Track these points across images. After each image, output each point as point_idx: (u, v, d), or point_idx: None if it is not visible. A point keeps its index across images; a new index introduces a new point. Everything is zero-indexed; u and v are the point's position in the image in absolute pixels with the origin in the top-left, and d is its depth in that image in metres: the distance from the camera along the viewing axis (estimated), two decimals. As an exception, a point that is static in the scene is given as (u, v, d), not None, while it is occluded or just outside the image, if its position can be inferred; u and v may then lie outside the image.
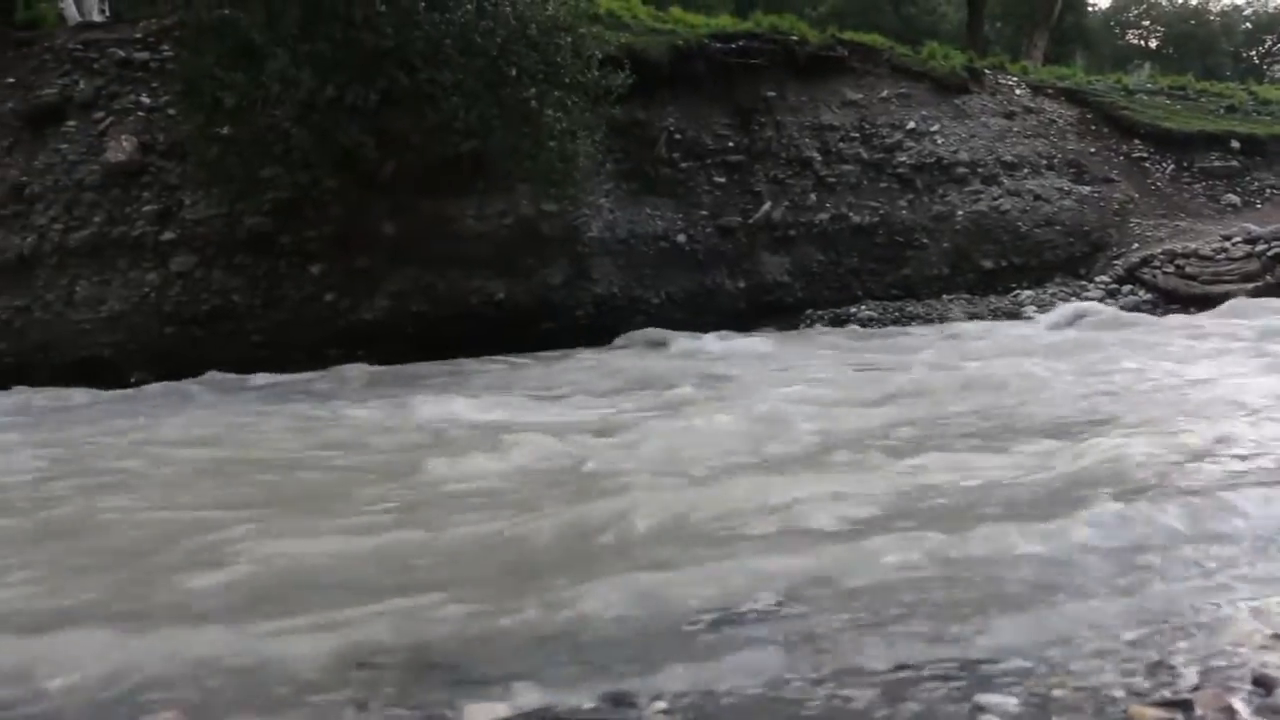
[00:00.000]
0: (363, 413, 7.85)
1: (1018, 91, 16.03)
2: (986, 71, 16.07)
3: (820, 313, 13.44)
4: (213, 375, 10.59)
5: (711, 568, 3.59)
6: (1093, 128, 16.02)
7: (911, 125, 14.79)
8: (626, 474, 5.15)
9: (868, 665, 2.80)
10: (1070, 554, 3.58)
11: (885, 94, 14.90)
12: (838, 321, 13.36)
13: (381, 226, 11.60)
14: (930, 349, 10.19)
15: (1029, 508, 4.16)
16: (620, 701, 2.82)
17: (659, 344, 11.35)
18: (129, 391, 10.47)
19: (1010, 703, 2.48)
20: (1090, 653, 2.77)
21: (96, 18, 13.88)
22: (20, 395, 10.24)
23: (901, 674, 2.75)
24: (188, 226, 11.86)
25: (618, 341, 11.71)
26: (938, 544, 3.63)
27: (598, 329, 11.72)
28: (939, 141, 14.80)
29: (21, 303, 11.92)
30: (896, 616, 3.16)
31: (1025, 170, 14.99)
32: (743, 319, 12.79)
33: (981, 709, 2.46)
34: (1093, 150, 15.69)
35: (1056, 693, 2.53)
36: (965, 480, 4.65)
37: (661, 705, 2.75)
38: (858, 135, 14.52)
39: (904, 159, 14.55)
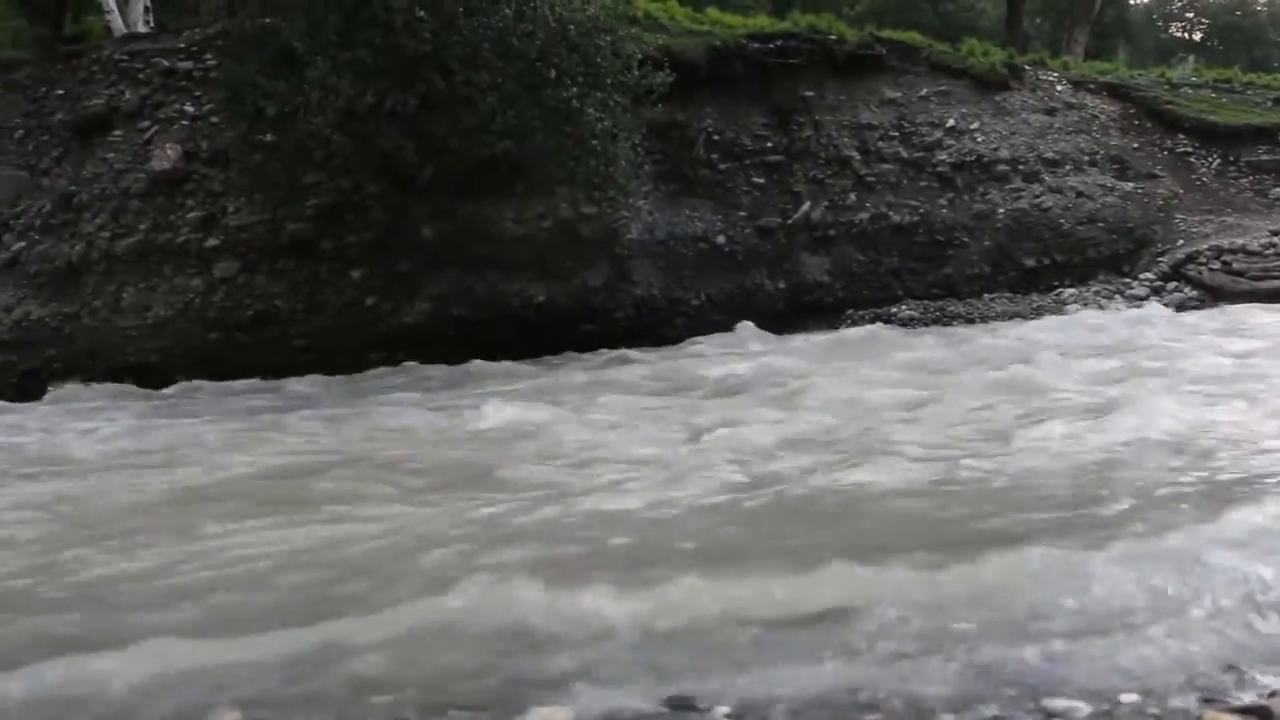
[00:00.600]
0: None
1: (1059, 87, 15.84)
2: (1026, 68, 15.89)
3: (861, 313, 13.35)
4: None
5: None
6: (1136, 123, 15.80)
7: (951, 123, 14.65)
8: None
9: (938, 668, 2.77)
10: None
11: (924, 92, 14.77)
12: (878, 321, 13.26)
13: (421, 230, 11.67)
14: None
15: None
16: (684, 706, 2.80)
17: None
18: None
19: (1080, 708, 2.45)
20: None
21: (141, 29, 14.06)
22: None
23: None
24: (231, 233, 11.99)
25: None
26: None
27: (638, 331, 11.71)
28: (979, 139, 14.66)
29: (71, 309, 12.11)
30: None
31: (1067, 167, 14.81)
32: (782, 320, 12.73)
33: (1051, 715, 2.42)
34: (1136, 146, 15.47)
35: (1125, 697, 2.48)
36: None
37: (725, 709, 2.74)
38: (897, 134, 14.41)
39: (944, 157, 14.42)
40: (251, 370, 11.08)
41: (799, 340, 11.55)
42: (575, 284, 12.01)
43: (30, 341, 12.14)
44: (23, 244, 12.39)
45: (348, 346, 11.54)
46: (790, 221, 13.33)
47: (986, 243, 14.21)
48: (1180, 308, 13.06)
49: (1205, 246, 13.90)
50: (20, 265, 12.33)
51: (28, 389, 11.59)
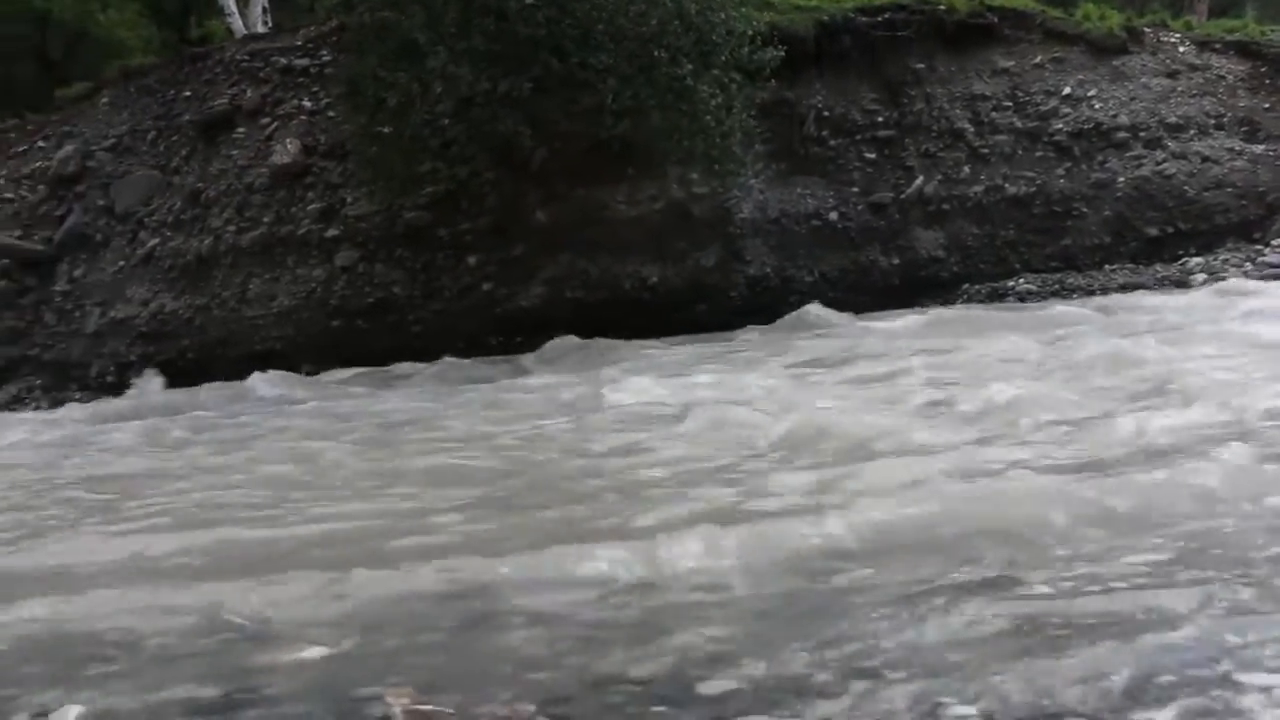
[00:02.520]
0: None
1: (1181, 49, 15.22)
2: (1146, 30, 15.30)
3: (977, 287, 13.07)
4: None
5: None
6: (1267, 82, 15.07)
7: (1067, 90, 14.22)
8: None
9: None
10: None
11: (1038, 60, 14.36)
12: (995, 296, 12.98)
13: (535, 215, 11.80)
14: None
15: None
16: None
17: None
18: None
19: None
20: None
21: (260, 29, 14.51)
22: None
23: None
24: (350, 223, 12.30)
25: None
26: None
27: (752, 310, 11.66)
28: (1097, 106, 14.19)
29: (201, 301, 12.58)
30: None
31: (1191, 131, 14.24)
32: (897, 296, 12.55)
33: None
34: (1267, 106, 14.78)
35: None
36: None
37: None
38: (1010, 104, 14.04)
39: (1060, 126, 14.00)
40: (372, 357, 11.37)
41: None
42: (688, 264, 12.01)
43: (165, 332, 12.65)
44: (156, 240, 12.91)
45: (465, 331, 11.75)
46: (903, 196, 13.12)
47: (1106, 212, 13.77)
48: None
49: (1344, 209, 13.28)
50: (155, 260, 12.86)
51: (166, 379, 12.08)
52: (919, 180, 13.25)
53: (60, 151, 13.68)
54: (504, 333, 11.69)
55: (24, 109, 14.85)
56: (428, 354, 11.24)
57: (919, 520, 3.88)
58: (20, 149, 14.09)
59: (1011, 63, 14.27)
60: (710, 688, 2.77)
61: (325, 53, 12.86)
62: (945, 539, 3.70)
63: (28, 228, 13.52)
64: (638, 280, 11.90)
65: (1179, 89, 14.58)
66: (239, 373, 11.70)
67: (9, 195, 13.84)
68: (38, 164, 13.83)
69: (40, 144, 13.99)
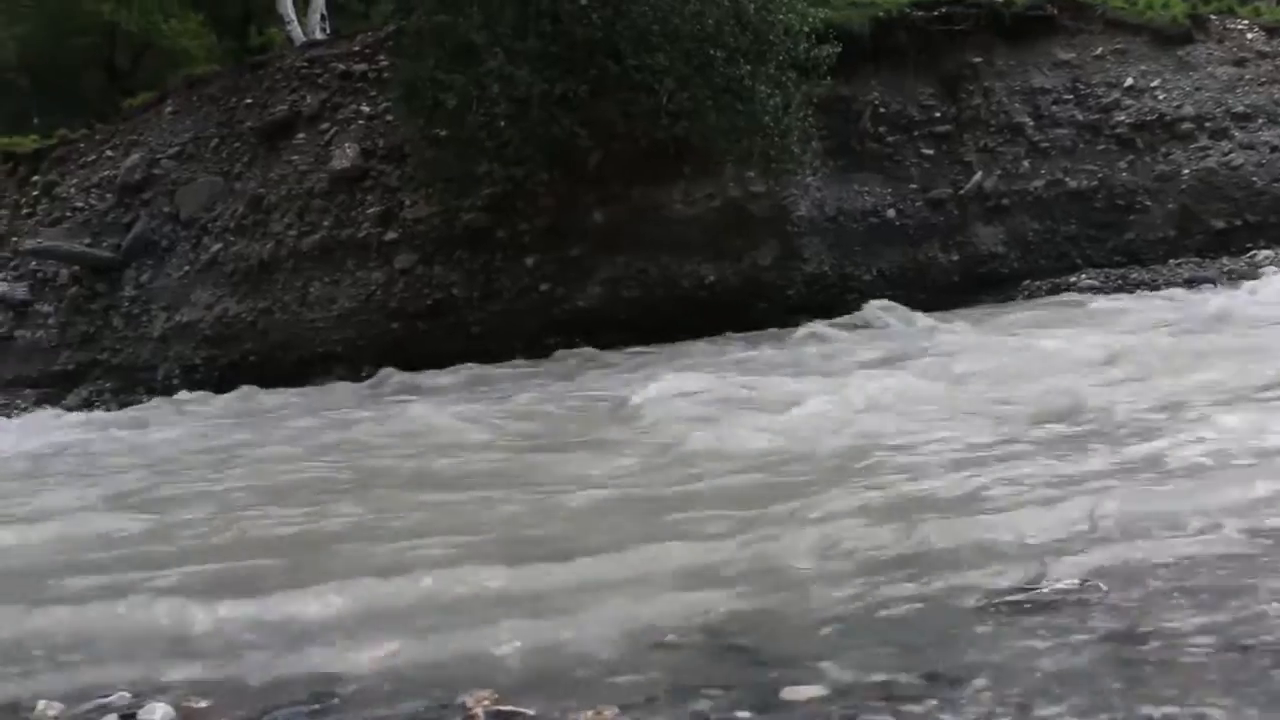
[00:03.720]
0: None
1: (1249, 36, 14.86)
2: (1212, 17, 14.97)
3: (1038, 283, 12.88)
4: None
5: None
6: (1338, 69, 14.72)
7: (1129, 82, 13.96)
8: None
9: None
10: None
11: (1099, 51, 14.11)
12: (1056, 291, 12.79)
13: (592, 216, 11.85)
14: None
15: None
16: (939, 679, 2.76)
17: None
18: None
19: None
20: None
21: (319, 35, 14.72)
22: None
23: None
24: (408, 226, 12.44)
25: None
26: None
27: (810, 308, 11.60)
28: (1160, 97, 13.92)
29: (264, 305, 12.79)
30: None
31: (1260, 121, 13.90)
32: (956, 293, 12.41)
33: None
34: (1339, 95, 14.43)
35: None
36: None
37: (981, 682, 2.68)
38: (1071, 96, 13.82)
39: (1122, 118, 13.76)
40: (431, 358, 11.46)
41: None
42: (745, 263, 11.98)
43: (229, 336, 12.89)
44: (220, 245, 13.15)
45: (524, 332, 11.83)
46: (962, 192, 12.97)
47: (1171, 205, 13.51)
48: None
49: None
50: (218, 265, 13.10)
51: (228, 381, 12.31)
52: (978, 175, 13.09)
53: (127, 160, 14.00)
54: (562, 333, 11.74)
55: (93, 119, 15.20)
56: (487, 355, 11.33)
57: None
58: (90, 158, 14.45)
59: (1072, 55, 14.04)
60: (794, 694, 2.76)
61: (382, 57, 13.01)
62: None
63: (97, 235, 13.85)
64: (695, 279, 11.90)
65: (1246, 77, 14.25)
66: (301, 375, 11.92)
67: (79, 204, 14.19)
68: (106, 172, 14.17)
69: (108, 153, 14.33)
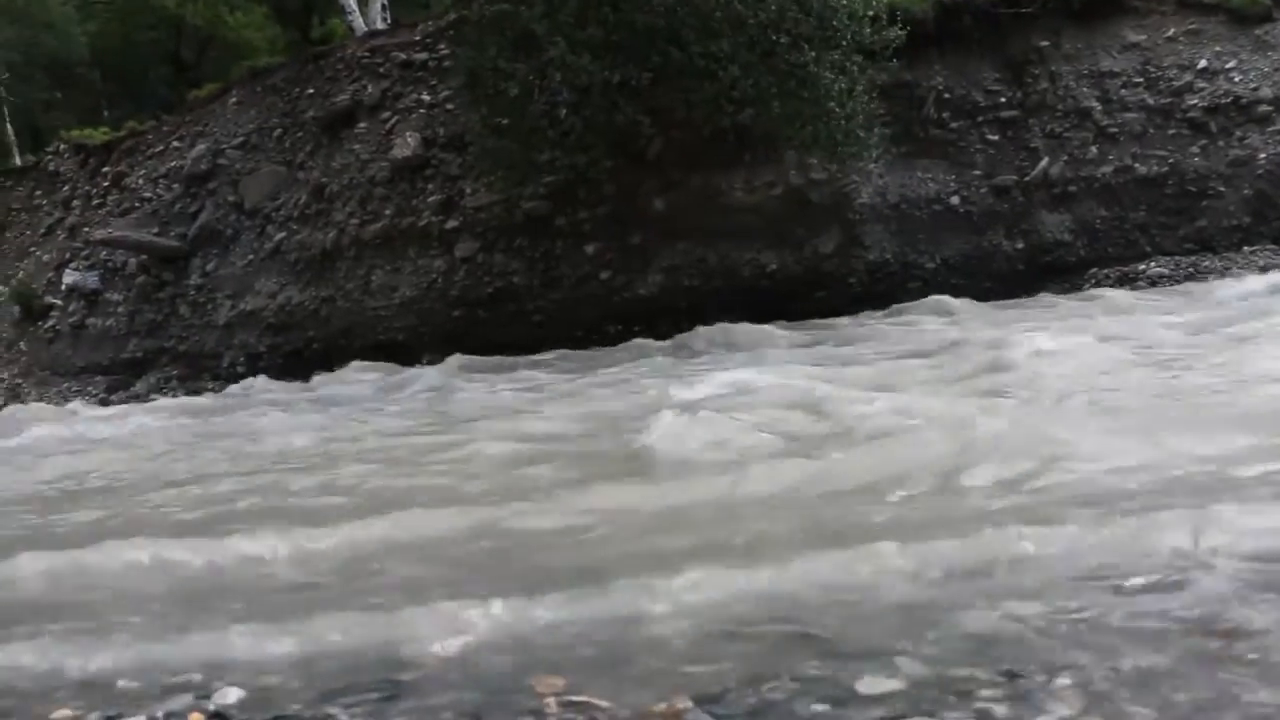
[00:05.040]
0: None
1: (1331, 14, 14.42)
2: (1292, -5, 14.53)
3: (1105, 272, 12.60)
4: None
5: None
6: None
7: (1203, 64, 13.57)
8: None
9: None
10: None
11: (1171, 32, 13.73)
12: (1125, 280, 12.49)
13: (652, 203, 11.81)
14: None
15: None
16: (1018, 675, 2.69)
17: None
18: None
19: None
20: None
21: (380, 25, 14.82)
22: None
23: None
24: (469, 214, 12.49)
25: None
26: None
27: (872, 296, 11.48)
28: (1235, 79, 13.51)
29: (326, 293, 12.94)
30: None
31: (1342, 103, 13.48)
32: (1021, 282, 12.20)
33: None
34: None
35: None
36: None
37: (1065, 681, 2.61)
38: (1141, 80, 13.47)
39: (1195, 101, 13.38)
40: (493, 346, 11.51)
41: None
42: (806, 251, 11.86)
43: (292, 324, 13.07)
44: (283, 234, 13.33)
45: (584, 320, 11.84)
46: (1028, 179, 12.72)
47: (1245, 191, 13.13)
48: None
49: None
50: (281, 254, 13.28)
51: (291, 368, 12.48)
52: (1044, 162, 12.83)
53: (193, 151, 14.23)
54: (623, 321, 11.73)
55: (160, 111, 15.47)
56: (548, 343, 11.35)
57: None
58: (157, 149, 14.71)
59: (1143, 36, 13.69)
60: (869, 686, 2.71)
61: (443, 46, 13.05)
62: None
63: (165, 225, 14.12)
64: (756, 267, 11.81)
65: (1328, 57, 13.81)
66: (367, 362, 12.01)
67: (147, 194, 14.47)
68: (173, 163, 14.42)
69: (175, 144, 14.58)
